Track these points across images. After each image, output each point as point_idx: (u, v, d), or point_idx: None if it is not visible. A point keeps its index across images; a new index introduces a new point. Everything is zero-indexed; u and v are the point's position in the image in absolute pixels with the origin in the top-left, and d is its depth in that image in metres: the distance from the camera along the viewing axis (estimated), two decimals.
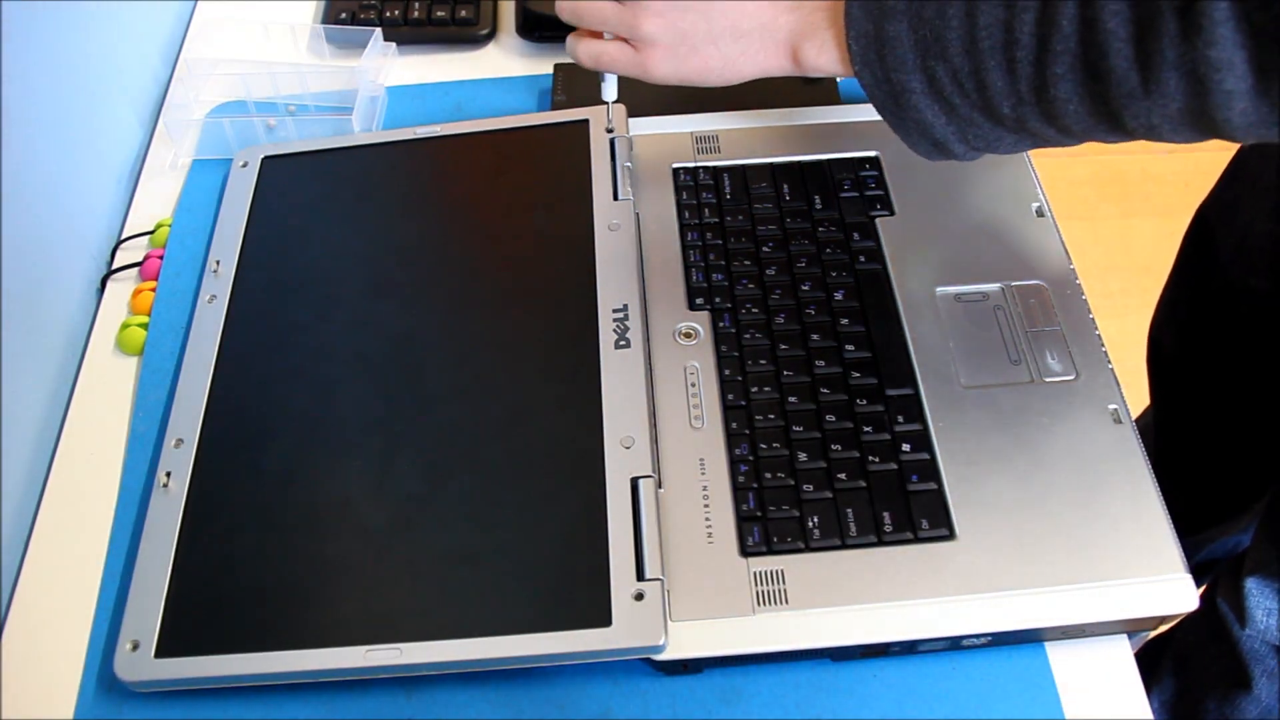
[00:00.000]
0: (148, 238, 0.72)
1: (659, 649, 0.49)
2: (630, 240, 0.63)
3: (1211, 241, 0.77)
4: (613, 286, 0.61)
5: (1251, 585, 0.74)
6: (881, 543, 0.52)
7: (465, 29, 0.82)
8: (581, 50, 0.59)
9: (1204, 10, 0.38)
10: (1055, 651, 0.52)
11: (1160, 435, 0.90)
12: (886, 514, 0.53)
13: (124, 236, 0.72)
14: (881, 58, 0.47)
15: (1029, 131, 0.47)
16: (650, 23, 0.54)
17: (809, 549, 0.52)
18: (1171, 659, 0.84)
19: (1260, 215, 0.70)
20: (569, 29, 0.82)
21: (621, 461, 0.54)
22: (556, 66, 0.78)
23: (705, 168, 0.68)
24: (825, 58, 0.51)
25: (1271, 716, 0.76)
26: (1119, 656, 0.52)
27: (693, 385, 0.58)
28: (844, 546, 0.52)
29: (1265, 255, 0.71)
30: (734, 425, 0.57)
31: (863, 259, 0.63)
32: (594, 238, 0.63)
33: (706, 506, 0.54)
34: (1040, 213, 0.65)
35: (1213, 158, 0.80)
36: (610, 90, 0.64)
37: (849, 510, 0.53)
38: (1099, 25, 0.41)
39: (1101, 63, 0.41)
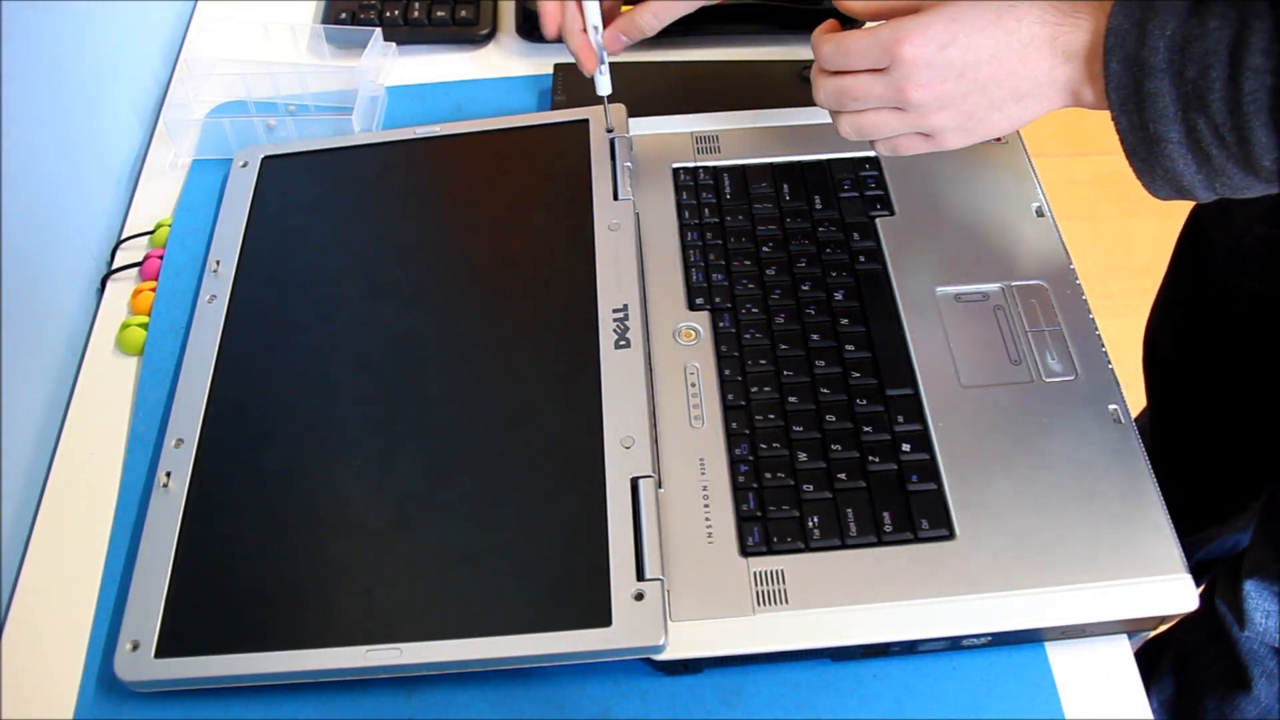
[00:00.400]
0: (148, 238, 0.72)
1: (659, 649, 0.49)
2: (630, 240, 0.63)
3: (1206, 243, 0.77)
4: (613, 286, 0.61)
5: (1250, 587, 0.74)
6: (881, 543, 0.52)
7: (465, 29, 0.82)
8: (882, 145, 0.57)
9: None
10: (1055, 651, 0.52)
11: (1157, 435, 0.90)
12: (886, 514, 0.53)
13: (124, 236, 0.72)
14: (1140, 109, 0.47)
15: None
16: (937, 117, 0.53)
17: (809, 549, 0.52)
18: (1171, 659, 0.84)
19: (1255, 219, 0.70)
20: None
21: (621, 461, 0.54)
22: (556, 66, 0.78)
23: (705, 168, 0.68)
24: (1100, 98, 0.51)
25: (1271, 717, 0.76)
26: (1119, 656, 0.52)
27: (693, 385, 0.58)
28: (844, 546, 0.52)
29: (1260, 258, 0.71)
30: (734, 425, 0.57)
31: (863, 259, 0.63)
32: (594, 238, 0.63)
33: (706, 506, 0.54)
34: (1040, 213, 0.65)
35: None
36: (604, 84, 0.64)
37: (849, 510, 0.53)
38: None
39: None
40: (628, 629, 0.49)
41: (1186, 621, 0.82)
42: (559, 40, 0.63)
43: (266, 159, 0.71)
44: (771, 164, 0.68)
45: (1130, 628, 0.52)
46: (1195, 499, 0.85)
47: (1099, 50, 0.48)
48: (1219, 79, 0.45)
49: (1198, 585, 0.52)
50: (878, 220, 0.65)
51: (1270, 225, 0.69)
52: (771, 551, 0.52)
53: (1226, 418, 0.82)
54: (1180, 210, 0.82)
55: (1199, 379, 0.84)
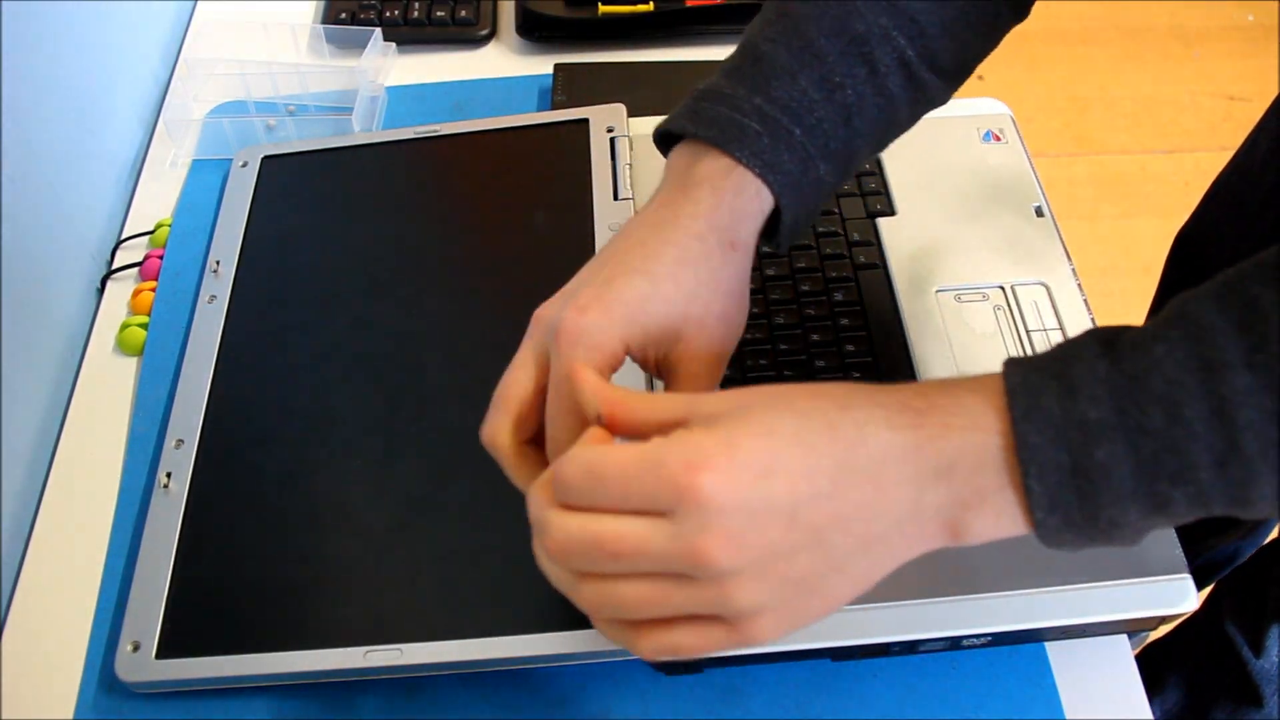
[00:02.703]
0: (148, 238, 0.72)
1: None
2: None
3: (1195, 267, 0.77)
4: None
5: (1277, 632, 0.73)
6: None
7: (465, 29, 0.82)
8: (646, 645, 0.36)
9: None
10: (1055, 651, 0.52)
11: None
12: None
13: (124, 236, 0.72)
14: (1083, 495, 0.33)
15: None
16: (744, 592, 0.34)
17: None
18: (1176, 670, 0.84)
19: (1246, 242, 0.69)
20: (569, 29, 0.81)
21: None
22: (556, 66, 0.78)
23: None
24: (1003, 522, 0.35)
25: None
26: (1119, 656, 0.52)
27: None
28: None
29: None
30: None
31: (863, 259, 0.63)
32: (594, 238, 0.63)
33: None
34: (1040, 213, 0.65)
35: (1212, 157, 0.80)
36: None
37: None
38: None
39: None
40: None
41: (1193, 635, 0.82)
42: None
43: (266, 159, 0.72)
44: None
45: (1130, 628, 0.52)
46: None
47: (992, 438, 0.34)
48: (1199, 419, 0.31)
49: (1199, 590, 0.51)
50: (878, 220, 0.65)
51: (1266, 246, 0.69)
52: None
53: None
54: (1181, 210, 0.82)
55: None
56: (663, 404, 0.37)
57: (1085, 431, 0.32)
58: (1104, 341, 0.34)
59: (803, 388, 0.36)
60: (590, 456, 0.35)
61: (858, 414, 0.35)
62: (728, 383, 0.58)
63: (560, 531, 0.35)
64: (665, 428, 0.36)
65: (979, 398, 0.34)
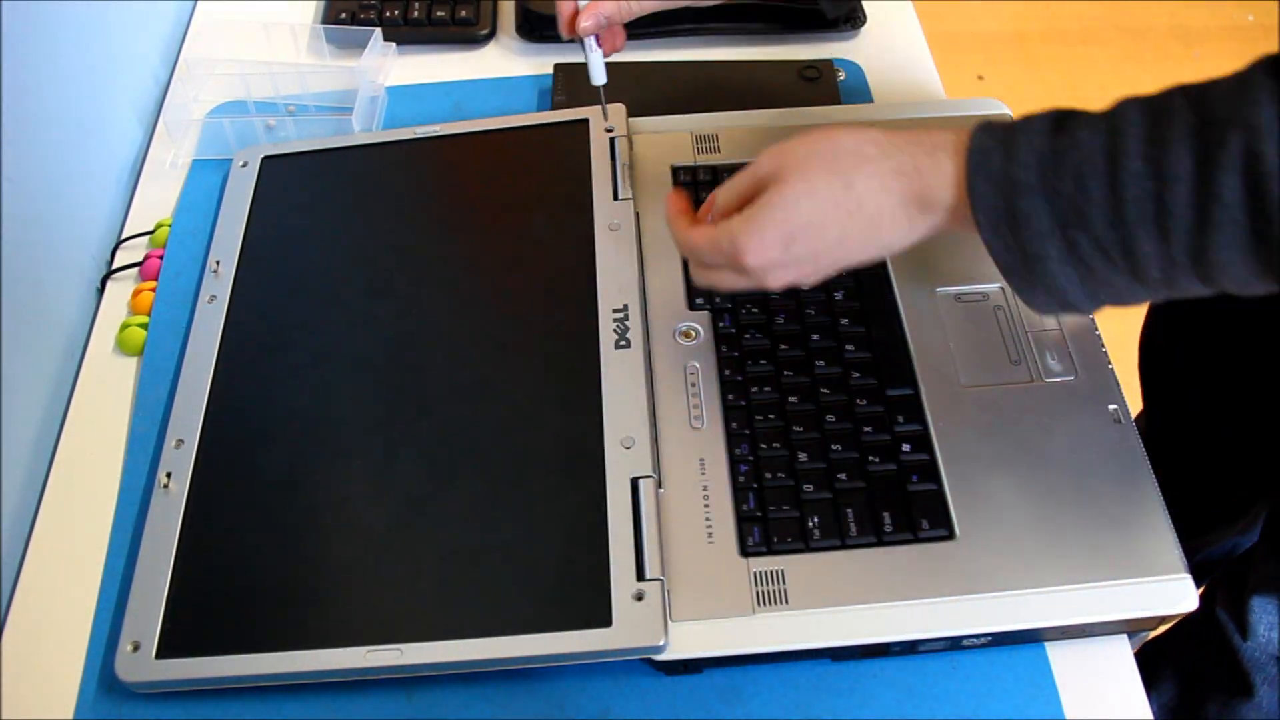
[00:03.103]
0: (148, 238, 0.72)
1: (659, 649, 0.49)
2: (630, 240, 0.63)
3: None
4: (613, 286, 0.61)
5: (1256, 603, 0.73)
6: (881, 543, 0.52)
7: (465, 29, 0.82)
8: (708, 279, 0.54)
9: None
10: (1055, 651, 0.52)
11: (1153, 437, 0.90)
12: (887, 514, 0.53)
13: (124, 236, 0.72)
14: (1014, 230, 0.44)
15: (1176, 289, 0.44)
16: (789, 279, 0.51)
17: (809, 549, 0.52)
18: (1171, 663, 0.84)
19: None
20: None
21: (621, 461, 0.54)
22: (556, 66, 0.78)
23: (705, 167, 0.68)
24: (966, 229, 0.47)
25: None
26: (1119, 656, 0.52)
27: (693, 385, 0.58)
28: (844, 546, 0.52)
29: None
30: (734, 425, 0.57)
31: None
32: (594, 238, 0.63)
33: (707, 506, 0.54)
34: None
35: None
36: (599, 74, 0.64)
37: (849, 510, 0.53)
38: (1270, 198, 0.39)
39: (1271, 230, 0.39)
40: (628, 629, 0.49)
41: (1187, 627, 0.82)
42: (571, 40, 0.63)
43: (266, 159, 0.71)
44: None
45: (1130, 628, 0.52)
46: (1192, 502, 0.85)
47: (961, 176, 0.46)
48: (1097, 190, 0.42)
49: (1197, 587, 0.52)
50: None
51: None
52: (771, 551, 0.52)
53: (1221, 420, 0.82)
54: None
55: (1193, 380, 0.84)
56: (723, 197, 0.53)
57: (1014, 187, 0.44)
58: (1055, 120, 0.45)
59: (824, 150, 0.50)
60: (685, 234, 0.53)
61: (856, 182, 0.48)
62: (735, 361, 0.58)
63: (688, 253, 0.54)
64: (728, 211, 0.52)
65: (952, 160, 0.47)
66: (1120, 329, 0.88)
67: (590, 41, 0.63)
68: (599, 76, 0.64)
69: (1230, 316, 0.76)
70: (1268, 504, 0.75)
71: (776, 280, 0.51)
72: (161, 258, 0.70)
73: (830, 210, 0.49)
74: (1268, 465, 0.76)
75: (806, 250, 0.49)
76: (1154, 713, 0.51)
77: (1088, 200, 0.42)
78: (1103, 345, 0.59)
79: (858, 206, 0.48)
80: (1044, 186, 0.43)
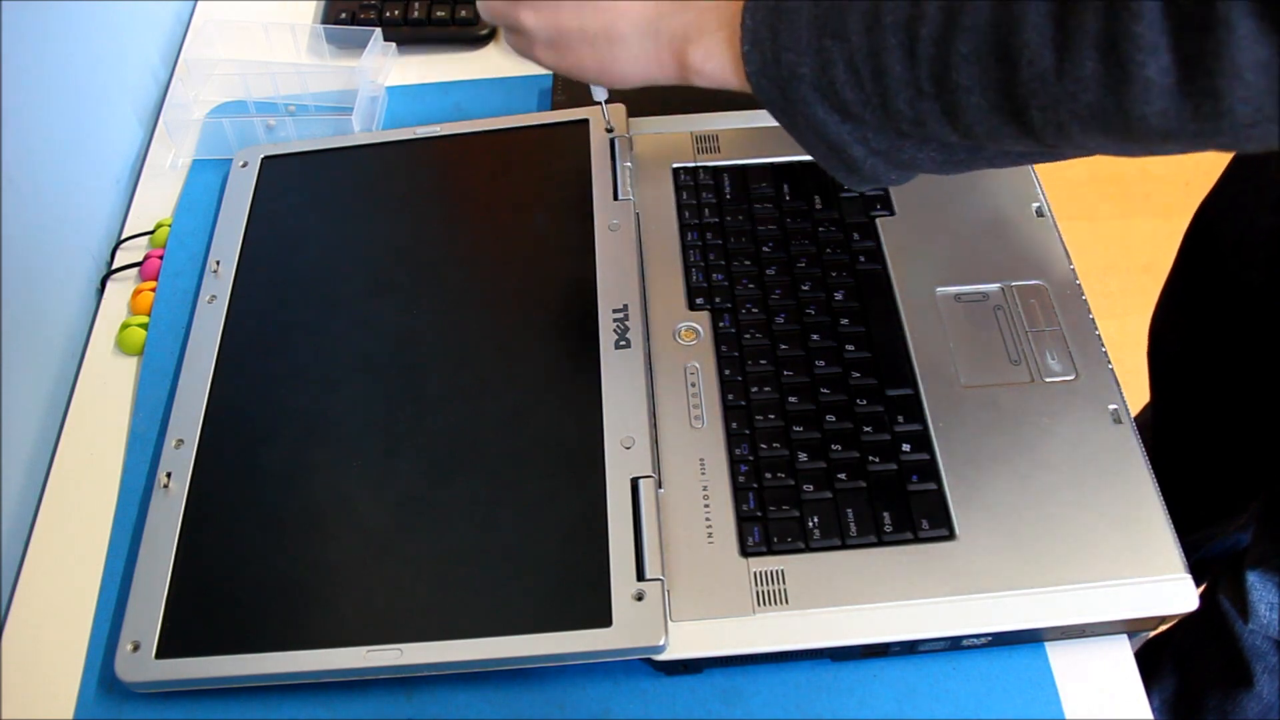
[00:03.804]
0: (148, 238, 0.72)
1: (659, 649, 0.49)
2: (630, 240, 0.63)
3: (1213, 236, 0.77)
4: (613, 286, 0.61)
5: (1254, 579, 0.74)
6: (881, 543, 0.52)
7: (465, 29, 0.82)
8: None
9: None
10: (1055, 651, 0.52)
11: (1159, 432, 0.90)
12: (886, 514, 0.53)
13: (124, 236, 0.72)
14: (774, 34, 0.43)
15: (929, 135, 0.43)
16: (525, 16, 0.51)
17: (809, 549, 0.52)
18: (1171, 657, 0.84)
19: (1262, 209, 0.70)
20: None
21: (621, 461, 0.54)
22: None
23: (705, 167, 0.68)
24: (714, 63, 0.47)
25: (1273, 713, 0.76)
26: (1119, 656, 0.52)
27: (693, 385, 0.58)
28: (844, 546, 0.52)
29: (1264, 249, 0.71)
30: (734, 425, 0.57)
31: (863, 259, 0.63)
32: (594, 238, 0.63)
33: (707, 506, 0.54)
34: (1040, 213, 0.65)
35: (1213, 158, 0.80)
36: (600, 91, 0.64)
37: (849, 510, 0.53)
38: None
39: (1013, 39, 0.38)
40: (628, 629, 0.49)
41: (1187, 620, 0.82)
42: None
43: (266, 159, 0.71)
44: (771, 164, 0.68)
45: (1130, 628, 0.52)
46: (1196, 497, 0.85)
47: None
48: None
49: (1197, 585, 0.52)
50: (878, 220, 0.65)
51: (1276, 215, 0.69)
52: (771, 551, 0.52)
53: (1230, 414, 0.82)
54: (1181, 210, 0.82)
55: (1203, 375, 0.84)
56: None
57: None
58: None
59: None
60: None
61: None
62: (735, 361, 0.59)
63: None
64: None
65: None
66: (1120, 329, 0.88)
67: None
68: (600, 93, 0.64)
69: (1239, 305, 0.76)
70: (1267, 491, 0.75)
71: (527, 17, 0.50)
72: (161, 258, 0.70)
73: None
74: (1272, 458, 0.76)
75: None
76: (1153, 709, 0.51)
77: (846, 9, 0.41)
78: (1103, 345, 0.59)
79: None
80: None
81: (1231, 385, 0.80)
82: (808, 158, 0.68)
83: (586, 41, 0.50)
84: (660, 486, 0.54)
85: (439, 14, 0.82)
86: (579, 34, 0.50)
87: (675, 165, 0.69)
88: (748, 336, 0.60)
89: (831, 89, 0.43)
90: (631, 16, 0.48)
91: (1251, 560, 0.74)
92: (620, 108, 0.69)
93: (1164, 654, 0.85)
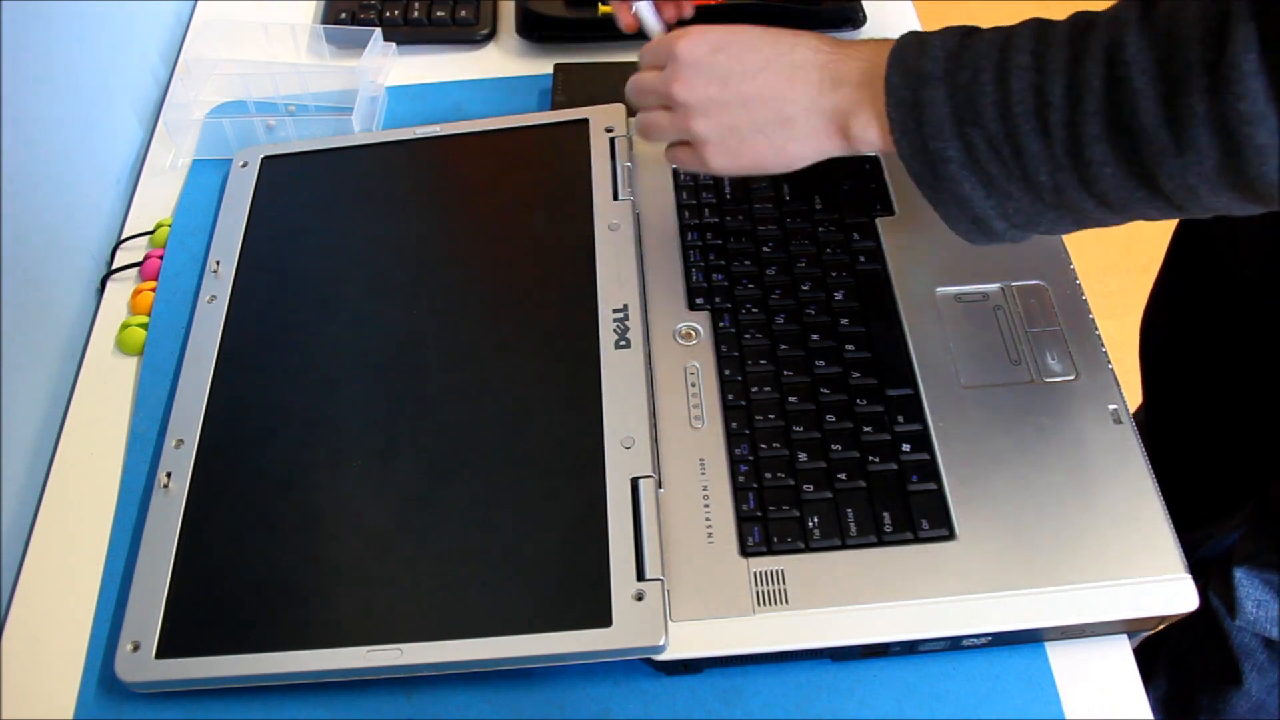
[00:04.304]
0: (148, 238, 0.72)
1: (659, 649, 0.49)
2: (630, 240, 0.63)
3: (1205, 233, 0.77)
4: (613, 286, 0.61)
5: (1240, 575, 0.74)
6: (881, 543, 0.52)
7: (465, 29, 0.82)
8: (666, 150, 0.58)
9: (1234, 63, 0.38)
10: (1055, 651, 0.52)
11: (1152, 430, 0.90)
12: (886, 514, 0.53)
13: (124, 236, 0.72)
14: (919, 124, 0.46)
15: (1068, 205, 0.46)
16: (698, 123, 0.53)
17: (809, 549, 0.52)
18: (1166, 657, 0.84)
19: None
20: (569, 29, 0.82)
21: (621, 461, 0.54)
22: (556, 66, 0.78)
23: None
24: (871, 132, 0.50)
25: (1263, 711, 0.77)
26: (1119, 656, 0.52)
27: (693, 385, 0.58)
28: (844, 546, 0.52)
29: (1259, 245, 0.71)
30: (734, 425, 0.57)
31: (863, 259, 0.63)
32: (594, 238, 0.63)
33: (706, 506, 0.54)
34: None
35: None
36: (655, 24, 0.63)
37: (849, 510, 0.53)
38: (1127, 84, 0.41)
39: (1132, 121, 0.41)
40: (628, 629, 0.49)
41: (1182, 620, 0.82)
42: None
43: (266, 159, 0.71)
44: None
45: (1130, 628, 0.52)
46: (1190, 496, 0.85)
47: (876, 73, 0.48)
48: (988, 81, 0.44)
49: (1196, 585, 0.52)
50: (878, 220, 0.65)
51: (1265, 212, 0.69)
52: (771, 551, 0.52)
53: (1223, 411, 0.82)
54: None
55: (1195, 371, 0.84)
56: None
57: (921, 78, 0.46)
58: (969, 28, 0.47)
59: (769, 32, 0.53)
60: (646, 47, 0.57)
61: (797, 39, 0.52)
62: (735, 361, 0.58)
63: (628, 84, 0.57)
64: None
65: (878, 48, 0.49)
66: (1120, 329, 0.88)
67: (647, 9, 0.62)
68: (656, 26, 0.63)
69: (1233, 300, 0.76)
70: (1258, 490, 0.76)
71: (687, 91, 0.52)
72: (161, 258, 0.70)
73: (768, 40, 0.52)
74: (1267, 457, 0.76)
75: (728, 66, 0.52)
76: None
77: (980, 91, 0.44)
78: (1102, 345, 0.59)
79: (791, 48, 0.51)
80: (946, 78, 0.46)
81: (1224, 382, 0.81)
82: None
83: (761, 133, 0.52)
84: (660, 486, 0.54)
85: (439, 14, 0.82)
86: (751, 128, 0.52)
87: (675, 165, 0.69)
88: (748, 336, 0.60)
89: (978, 166, 0.46)
90: (798, 99, 0.51)
91: (1239, 557, 0.74)
92: (620, 108, 0.69)
93: (1158, 655, 0.85)
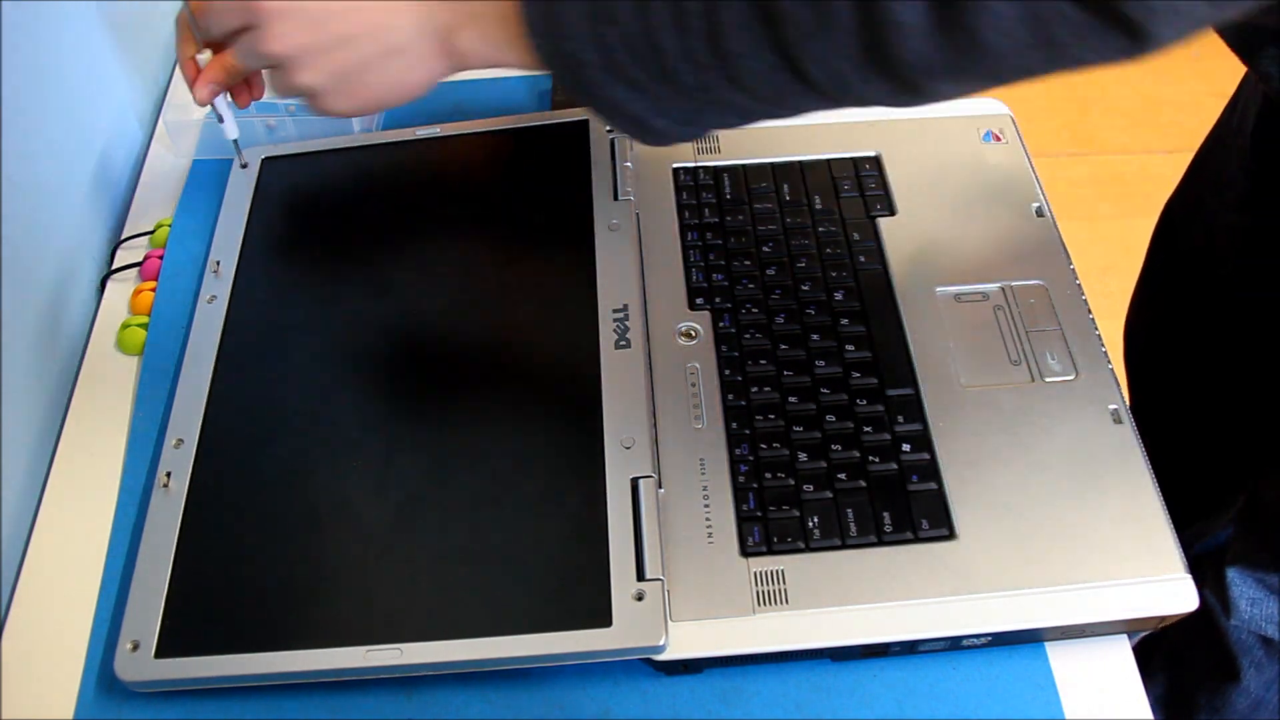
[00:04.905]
0: (148, 238, 0.72)
1: (659, 649, 0.49)
2: (630, 240, 0.63)
3: (1179, 236, 0.78)
4: (613, 286, 0.61)
5: (1233, 575, 0.74)
6: (881, 543, 0.52)
7: None
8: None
9: None
10: (1055, 651, 0.52)
11: (1140, 429, 0.90)
12: (886, 514, 0.53)
13: (124, 236, 0.72)
14: (555, 28, 0.44)
15: (721, 101, 0.44)
16: (302, 76, 0.51)
17: (809, 549, 0.52)
18: (1163, 655, 0.84)
19: (1225, 207, 0.70)
20: None
21: (622, 461, 0.54)
22: None
23: (705, 167, 0.68)
24: (488, 44, 0.48)
25: (1261, 708, 0.77)
26: (1119, 656, 0.52)
27: (693, 385, 0.58)
28: (844, 546, 0.52)
29: (1233, 247, 0.71)
30: (734, 425, 0.57)
31: (863, 259, 0.63)
32: (594, 238, 0.63)
33: (707, 506, 0.54)
34: (1040, 213, 0.65)
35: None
36: (231, 129, 0.63)
37: (849, 510, 0.53)
38: None
39: (772, 4, 0.39)
40: (628, 629, 0.49)
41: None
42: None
43: (267, 160, 0.71)
44: (771, 164, 0.68)
45: (1130, 628, 0.52)
46: (1179, 493, 0.85)
47: None
48: None
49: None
50: (878, 220, 0.65)
51: (1242, 214, 0.70)
52: (772, 551, 0.52)
53: (1206, 412, 0.82)
54: None
55: (1177, 372, 0.84)
56: None
57: None
58: None
59: None
60: (205, 5, 0.52)
61: None
62: (735, 361, 0.59)
63: (206, 68, 0.54)
64: None
65: None
66: (1120, 329, 0.88)
67: (219, 101, 0.61)
68: (231, 130, 0.63)
69: (1210, 301, 0.76)
70: (1247, 488, 0.76)
71: (283, 45, 0.49)
72: (161, 258, 0.70)
73: None
74: (1253, 453, 0.76)
75: (320, 9, 0.48)
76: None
77: None
78: (1102, 345, 0.59)
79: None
80: None
81: (1206, 381, 0.81)
82: (808, 158, 0.69)
83: (371, 70, 0.50)
84: (660, 486, 0.54)
85: None
86: (360, 67, 0.50)
87: (675, 165, 0.69)
88: (748, 336, 0.60)
89: (619, 69, 0.44)
90: (402, 26, 0.49)
91: (1231, 557, 0.74)
92: None
93: (1156, 653, 0.85)
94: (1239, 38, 0.56)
